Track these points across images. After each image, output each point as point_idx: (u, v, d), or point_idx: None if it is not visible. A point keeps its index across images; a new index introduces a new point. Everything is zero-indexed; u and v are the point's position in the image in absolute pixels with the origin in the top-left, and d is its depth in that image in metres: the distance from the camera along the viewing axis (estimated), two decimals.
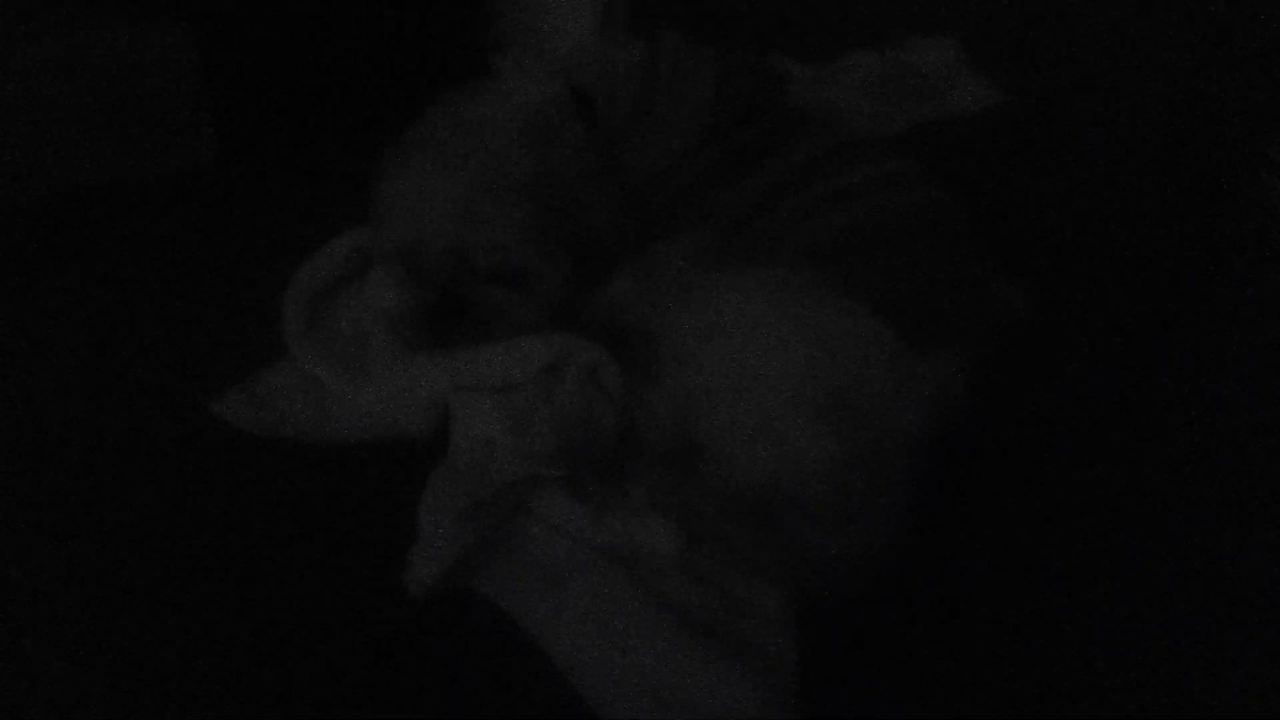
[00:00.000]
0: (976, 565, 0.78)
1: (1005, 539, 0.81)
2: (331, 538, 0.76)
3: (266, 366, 0.87)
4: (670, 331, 0.80)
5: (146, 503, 0.77)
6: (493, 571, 0.72)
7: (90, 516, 0.76)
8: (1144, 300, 1.08)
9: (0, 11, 1.00)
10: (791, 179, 0.84)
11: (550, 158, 0.82)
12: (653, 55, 0.89)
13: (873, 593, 0.71)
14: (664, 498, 0.76)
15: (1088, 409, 0.93)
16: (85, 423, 0.83)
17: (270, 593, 0.72)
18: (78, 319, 0.94)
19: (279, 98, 1.14)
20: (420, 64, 1.20)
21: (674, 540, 0.74)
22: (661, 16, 1.12)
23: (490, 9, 1.24)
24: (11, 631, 0.69)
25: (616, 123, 0.87)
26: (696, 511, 0.75)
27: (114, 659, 0.68)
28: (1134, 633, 0.74)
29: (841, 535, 0.74)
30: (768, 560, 0.74)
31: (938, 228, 0.82)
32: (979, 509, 0.82)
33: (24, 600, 0.71)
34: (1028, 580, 0.77)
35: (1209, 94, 1.45)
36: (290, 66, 1.14)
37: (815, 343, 0.75)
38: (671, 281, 0.84)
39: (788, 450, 0.74)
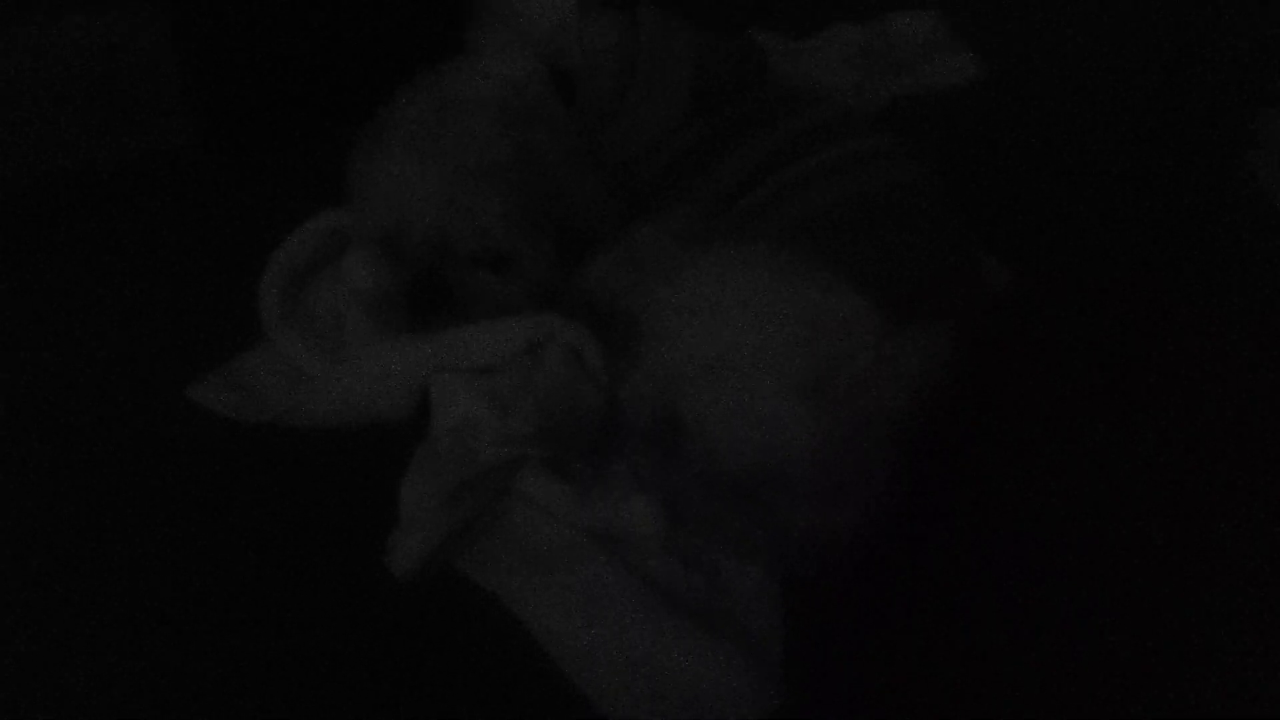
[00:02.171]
0: (961, 544, 0.78)
1: (989, 517, 0.81)
2: (313, 522, 0.75)
3: (244, 351, 0.86)
4: (653, 310, 0.80)
5: (126, 490, 0.76)
6: (477, 554, 0.72)
7: (68, 505, 0.75)
8: (1128, 275, 1.08)
9: None
10: (774, 156, 0.83)
11: (531, 138, 0.81)
12: (632, 32, 0.88)
13: (858, 571, 0.71)
14: (648, 477, 0.76)
15: (1072, 386, 0.93)
16: (62, 410, 0.82)
17: (252, 579, 0.71)
18: (53, 305, 0.92)
19: (256, 80, 1.12)
20: (398, 43, 1.18)
21: (658, 520, 0.73)
22: None
23: None
24: None
25: (597, 101, 0.86)
26: (680, 490, 0.75)
27: (92, 646, 0.67)
28: (1117, 614, 0.74)
29: (826, 513, 0.74)
30: (752, 539, 0.74)
31: (920, 204, 0.82)
32: (964, 487, 0.82)
33: (10, 594, 0.70)
34: (1012, 560, 0.77)
35: (1193, 68, 1.45)
36: (267, 48, 1.12)
37: (798, 320, 0.75)
38: (654, 260, 0.83)
39: (771, 428, 0.74)
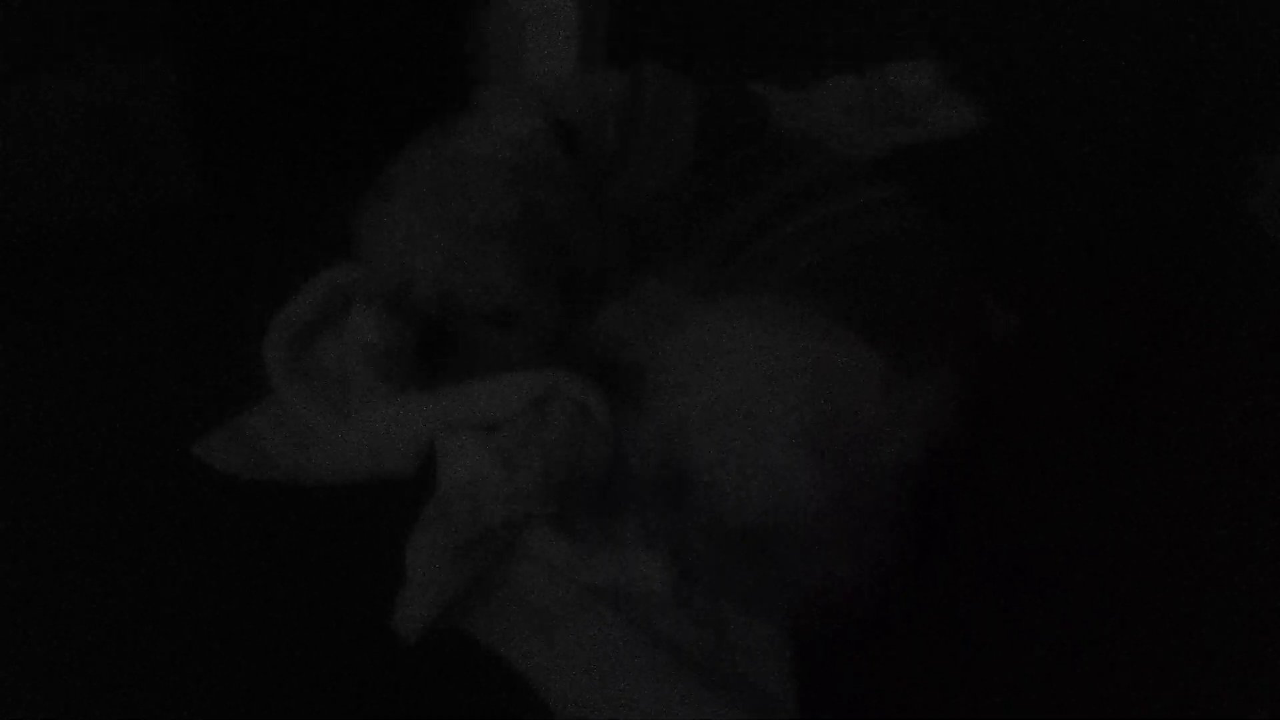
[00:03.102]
0: (975, 596, 0.77)
1: (995, 565, 0.80)
2: (318, 581, 0.74)
3: (249, 408, 0.86)
4: (659, 362, 0.79)
5: (130, 548, 0.76)
6: (484, 613, 0.71)
7: (73, 563, 0.75)
8: (1130, 318, 1.08)
9: None
10: (779, 207, 0.84)
11: (536, 194, 0.81)
12: (636, 86, 0.89)
13: (870, 626, 0.70)
14: (655, 531, 0.75)
15: (1075, 429, 0.93)
16: (66, 467, 0.82)
17: (258, 638, 0.70)
18: (55, 361, 0.92)
19: (262, 134, 1.14)
20: (402, 98, 1.19)
21: (666, 575, 0.73)
22: (640, 46, 1.12)
23: (471, 42, 1.24)
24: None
25: (602, 155, 0.86)
26: (688, 545, 0.75)
27: (97, 705, 0.66)
28: (1130, 677, 0.73)
29: (836, 566, 0.73)
30: (761, 593, 0.73)
31: (924, 252, 0.82)
32: (974, 536, 0.81)
33: (8, 649, 0.69)
34: (1019, 609, 0.77)
35: (1190, 109, 1.46)
36: (273, 102, 1.13)
37: (804, 370, 0.75)
38: (660, 312, 0.83)
39: (779, 481, 0.73)
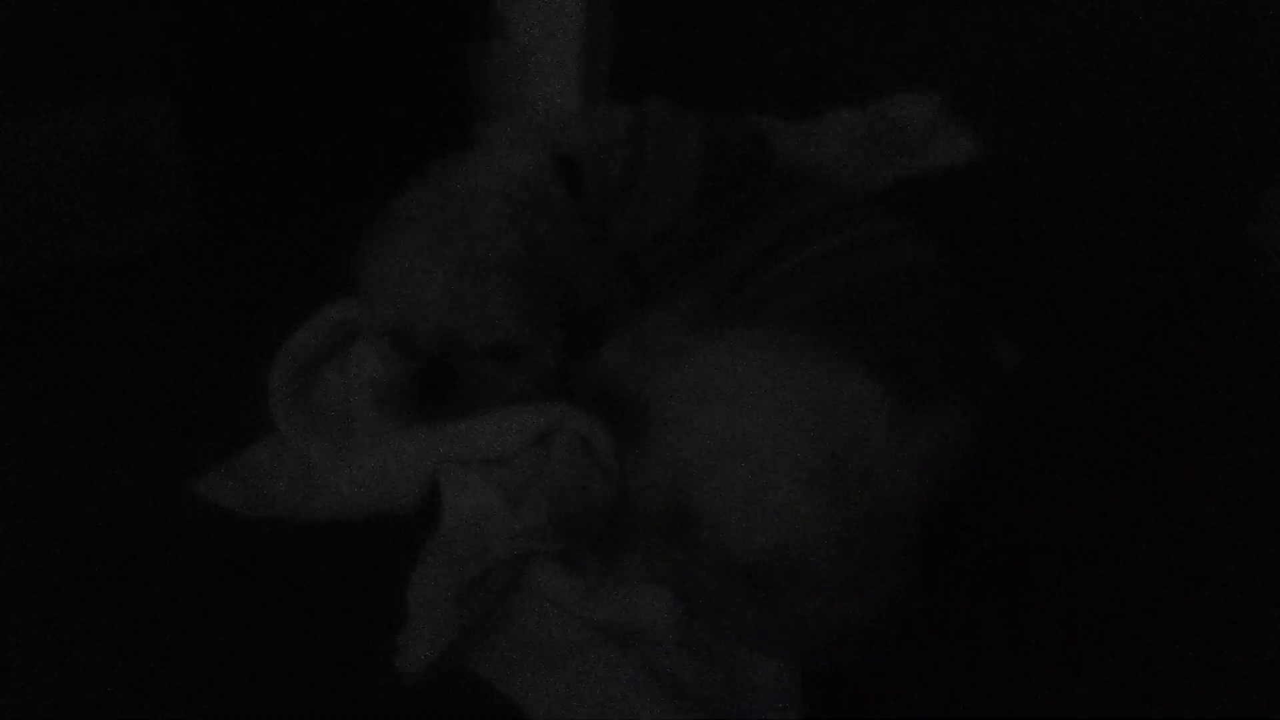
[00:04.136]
0: (988, 633, 0.76)
1: (1009, 600, 0.79)
2: (320, 620, 0.73)
3: (251, 445, 0.85)
4: (662, 397, 0.79)
5: (130, 587, 0.75)
6: (487, 650, 0.70)
7: (74, 603, 0.74)
8: (1134, 351, 1.07)
9: None
10: (783, 241, 0.84)
11: (539, 230, 0.81)
12: (640, 121, 0.89)
13: (880, 665, 0.69)
14: (660, 568, 0.74)
15: (1081, 464, 0.92)
16: (65, 506, 0.81)
17: (258, 677, 0.69)
18: (56, 397, 0.92)
19: (263, 170, 1.14)
20: (404, 132, 1.20)
21: (672, 613, 0.72)
22: (641, 81, 1.12)
23: (474, 76, 1.24)
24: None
25: (605, 190, 0.86)
26: (694, 582, 0.74)
27: None
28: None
29: (845, 604, 0.72)
30: (769, 631, 0.72)
31: (930, 285, 0.82)
32: (986, 575, 0.80)
33: (12, 689, 0.68)
34: (1040, 650, 0.76)
35: (1194, 144, 1.46)
36: (275, 137, 1.14)
37: (810, 405, 0.74)
38: (663, 346, 0.83)
39: (786, 517, 0.72)
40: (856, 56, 1.62)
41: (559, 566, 0.73)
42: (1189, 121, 1.52)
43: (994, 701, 0.71)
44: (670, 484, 0.77)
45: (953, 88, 1.44)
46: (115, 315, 1.02)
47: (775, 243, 0.84)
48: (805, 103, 1.43)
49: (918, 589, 0.71)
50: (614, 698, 0.67)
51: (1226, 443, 0.97)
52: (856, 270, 0.81)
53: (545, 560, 0.73)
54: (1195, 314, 1.15)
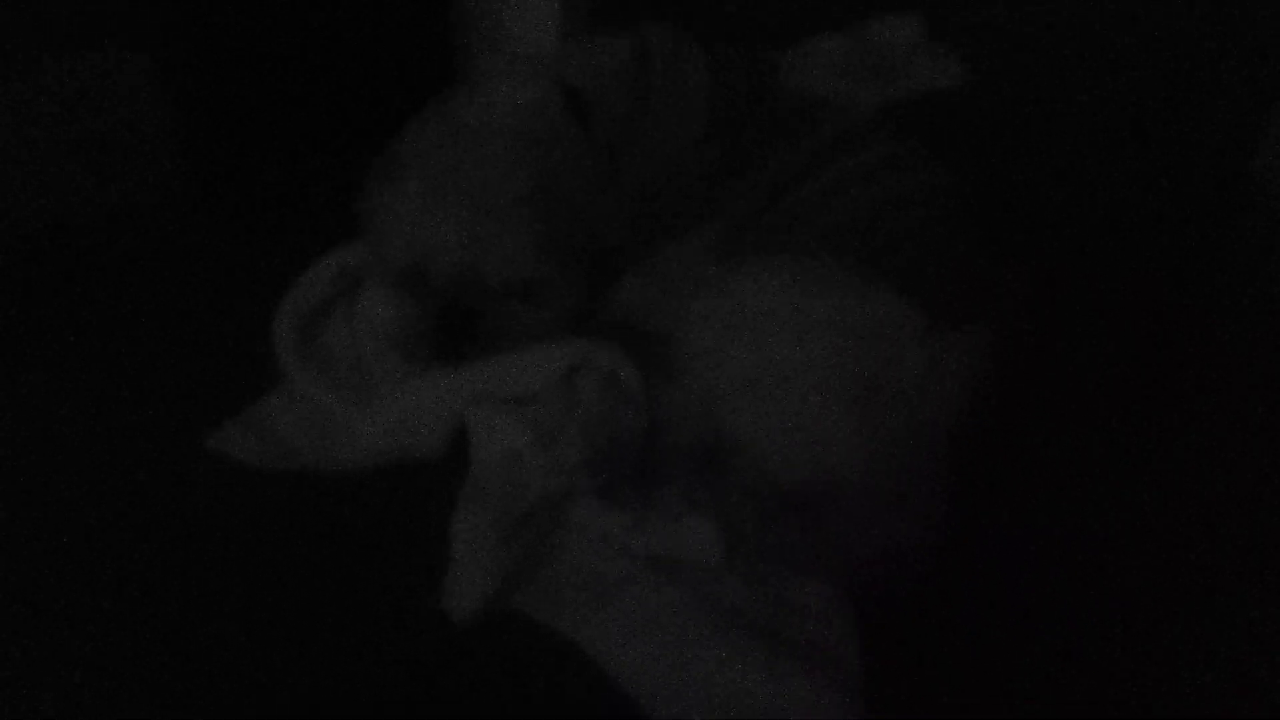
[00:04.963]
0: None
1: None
2: (354, 571, 0.72)
3: (262, 396, 0.83)
4: (688, 329, 0.78)
5: (154, 551, 0.73)
6: (535, 588, 0.69)
7: (97, 571, 0.71)
8: (1131, 277, 1.07)
9: None
10: (797, 167, 0.82)
11: (552, 162, 0.79)
12: (641, 50, 0.86)
13: (928, 585, 0.69)
14: (699, 498, 0.74)
15: (1077, 389, 0.92)
16: (79, 474, 0.78)
17: (299, 636, 0.68)
18: (57, 363, 0.88)
19: (246, 119, 1.09)
20: (387, 74, 1.15)
21: (715, 540, 0.71)
22: (619, 10, 1.09)
23: (455, 13, 1.20)
24: (15, 680, 0.65)
25: (613, 122, 0.84)
26: (735, 511, 0.73)
27: (129, 705, 0.64)
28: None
29: (883, 526, 0.72)
30: (813, 557, 0.72)
31: (949, 206, 0.81)
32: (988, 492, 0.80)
33: (28, 651, 0.66)
34: (1076, 566, 0.76)
35: (1197, 67, 1.45)
36: (255, 84, 1.08)
37: (842, 328, 0.74)
38: (684, 277, 0.82)
39: (822, 441, 0.72)
40: None
41: (600, 501, 0.72)
42: (1191, 42, 1.49)
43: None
44: (701, 416, 0.76)
45: (934, 7, 1.42)
46: (97, 278, 0.97)
47: (790, 169, 0.82)
48: (783, 30, 1.40)
49: (948, 512, 0.72)
50: (669, 626, 0.66)
51: (1229, 370, 0.97)
52: (875, 193, 0.80)
53: (586, 495, 0.72)
54: (1195, 241, 1.14)
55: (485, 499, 0.72)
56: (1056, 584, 0.75)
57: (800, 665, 0.65)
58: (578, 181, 0.80)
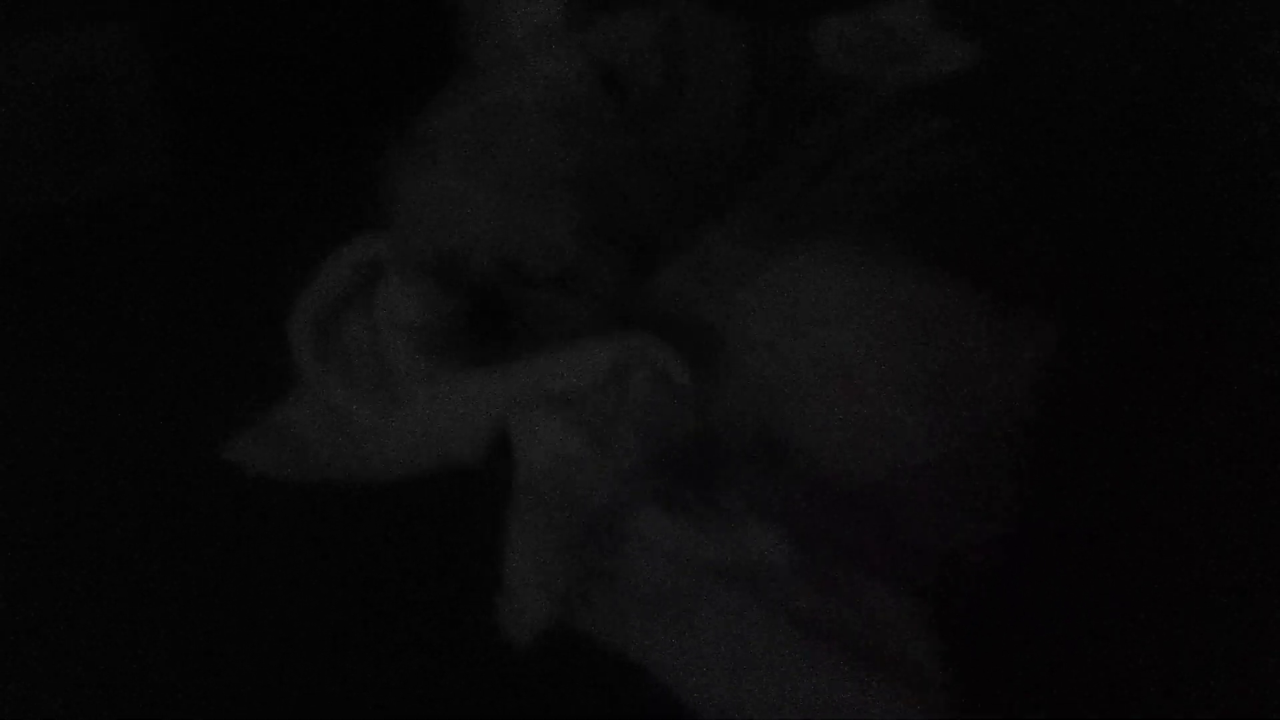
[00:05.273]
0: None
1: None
2: (394, 591, 0.67)
3: (279, 401, 0.77)
4: (737, 320, 0.74)
5: (172, 571, 0.67)
6: (596, 606, 0.64)
7: (113, 601, 0.66)
8: (1145, 258, 1.05)
9: None
10: (841, 147, 0.79)
11: (590, 143, 0.74)
12: (672, 27, 0.82)
13: (1008, 587, 0.66)
14: (763, 501, 0.70)
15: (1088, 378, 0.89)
16: (89, 494, 0.72)
17: (337, 655, 0.63)
18: (52, 362, 0.82)
19: (239, 101, 1.03)
20: (384, 55, 1.10)
21: (782, 546, 0.67)
22: None
23: None
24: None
25: (647, 100, 0.80)
26: (800, 513, 0.69)
27: None
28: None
29: (954, 526, 0.68)
30: (883, 559, 0.68)
31: (996, 185, 0.78)
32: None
33: (40, 671, 0.62)
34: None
35: (1198, 39, 1.44)
36: (251, 67, 1.02)
37: (903, 315, 0.70)
38: (729, 266, 0.77)
39: (889, 439, 0.69)
40: None
41: (660, 509, 0.67)
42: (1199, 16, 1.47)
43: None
44: (757, 414, 0.72)
45: None
46: (76, 269, 0.91)
47: (833, 149, 0.79)
48: (789, 13, 1.36)
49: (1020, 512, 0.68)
50: (742, 639, 0.62)
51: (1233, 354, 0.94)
52: (922, 172, 0.77)
53: (644, 503, 0.67)
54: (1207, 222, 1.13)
55: (537, 510, 0.67)
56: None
57: (883, 676, 0.61)
58: (618, 162, 0.75)
